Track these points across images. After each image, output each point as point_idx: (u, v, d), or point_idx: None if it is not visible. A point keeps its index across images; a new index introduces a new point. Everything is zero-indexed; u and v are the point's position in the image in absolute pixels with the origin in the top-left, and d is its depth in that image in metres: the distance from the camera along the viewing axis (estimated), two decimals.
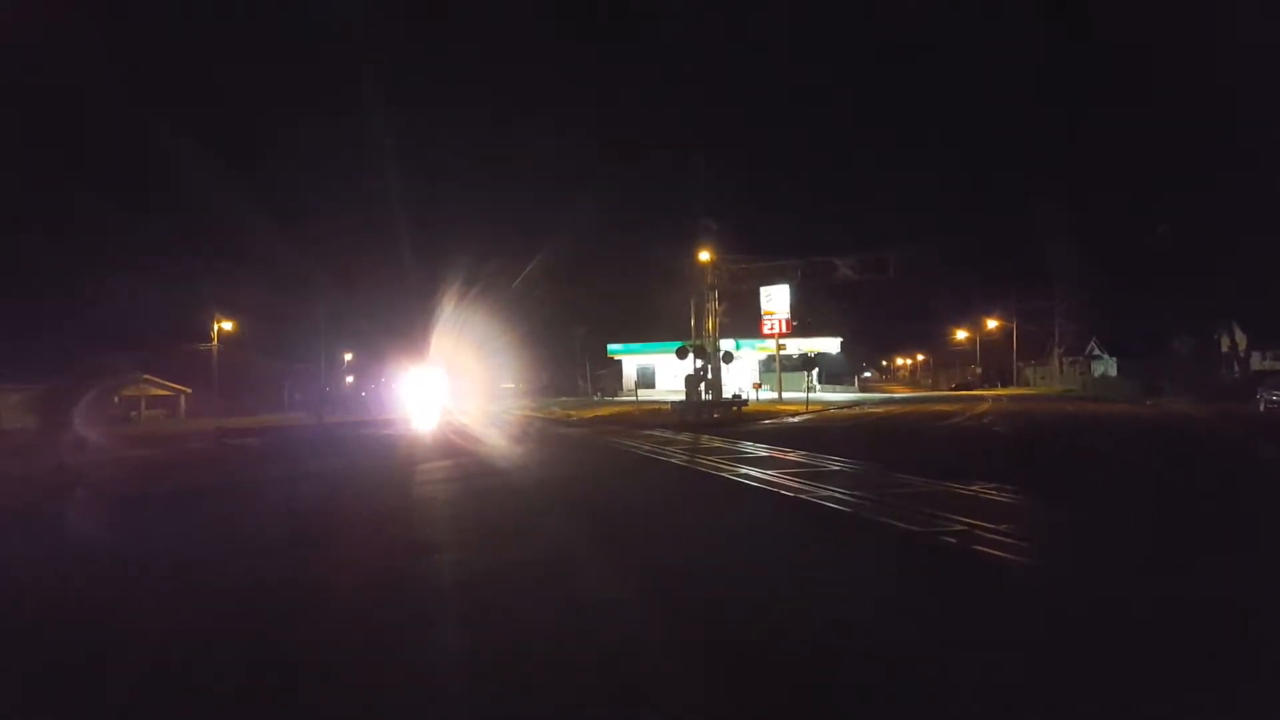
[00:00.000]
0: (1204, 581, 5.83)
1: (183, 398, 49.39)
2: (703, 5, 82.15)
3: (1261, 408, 24.32)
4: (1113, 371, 54.30)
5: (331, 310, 47.68)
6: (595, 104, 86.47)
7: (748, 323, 42.91)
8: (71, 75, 44.45)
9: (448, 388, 42.27)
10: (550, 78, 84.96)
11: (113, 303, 40.53)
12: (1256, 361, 41.97)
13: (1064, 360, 64.02)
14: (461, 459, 16.78)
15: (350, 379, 60.62)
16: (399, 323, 46.08)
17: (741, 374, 44.28)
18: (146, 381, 47.17)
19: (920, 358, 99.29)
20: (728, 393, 35.26)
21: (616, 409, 38.09)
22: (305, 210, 75.25)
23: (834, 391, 54.63)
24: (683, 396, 32.52)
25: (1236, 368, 42.10)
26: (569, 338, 60.07)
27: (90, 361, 39.93)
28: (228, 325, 50.18)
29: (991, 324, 71.97)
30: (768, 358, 51.62)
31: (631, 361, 60.59)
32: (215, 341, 49.43)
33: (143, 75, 59.29)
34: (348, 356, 59.05)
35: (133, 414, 45.84)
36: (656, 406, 36.05)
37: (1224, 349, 45.24)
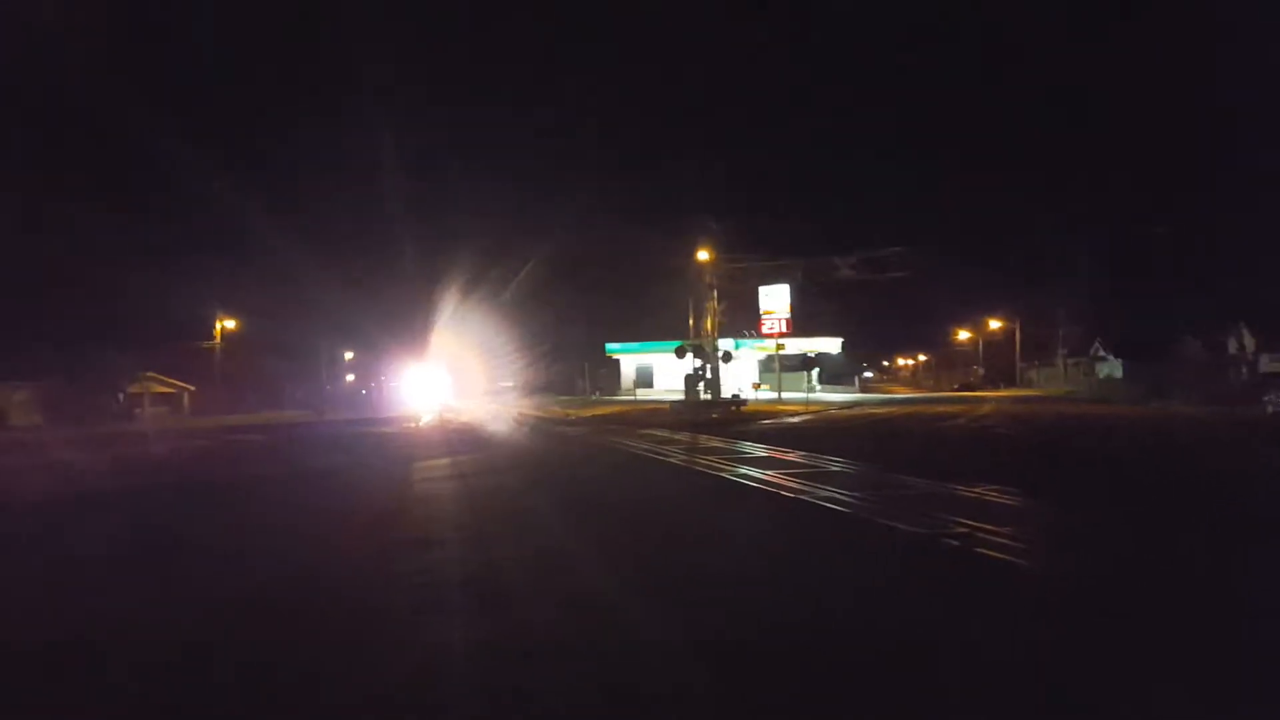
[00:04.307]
0: (1208, 583, 5.73)
1: (186, 395, 49.38)
2: (705, 2, 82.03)
3: (1269, 410, 24.11)
4: (1117, 373, 54.04)
5: (333, 309, 47.72)
6: (597, 102, 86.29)
7: (747, 322, 42.76)
8: (77, 75, 44.46)
9: (447, 386, 42.28)
10: (551, 76, 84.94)
11: (117, 301, 40.51)
12: (1266, 364, 41.64)
13: (1068, 362, 63.74)
14: (459, 457, 16.68)
15: (351, 377, 60.61)
16: (399, 321, 46.07)
17: (741, 374, 44.14)
18: (150, 379, 47.14)
19: (922, 358, 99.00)
20: (727, 393, 35.14)
21: (615, 408, 38.01)
22: (308, 209, 75.29)
23: (834, 392, 54.46)
24: (681, 396, 32.44)
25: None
26: (568, 336, 59.91)
27: (95, 359, 39.92)
28: (230, 323, 50.10)
29: (994, 324, 71.73)
30: (767, 357, 51.48)
31: (630, 360, 60.48)
32: (218, 340, 49.36)
33: (149, 74, 59.34)
34: (348, 355, 59.00)
35: (136, 411, 45.81)
36: (655, 406, 35.96)
37: (1232, 351, 44.95)
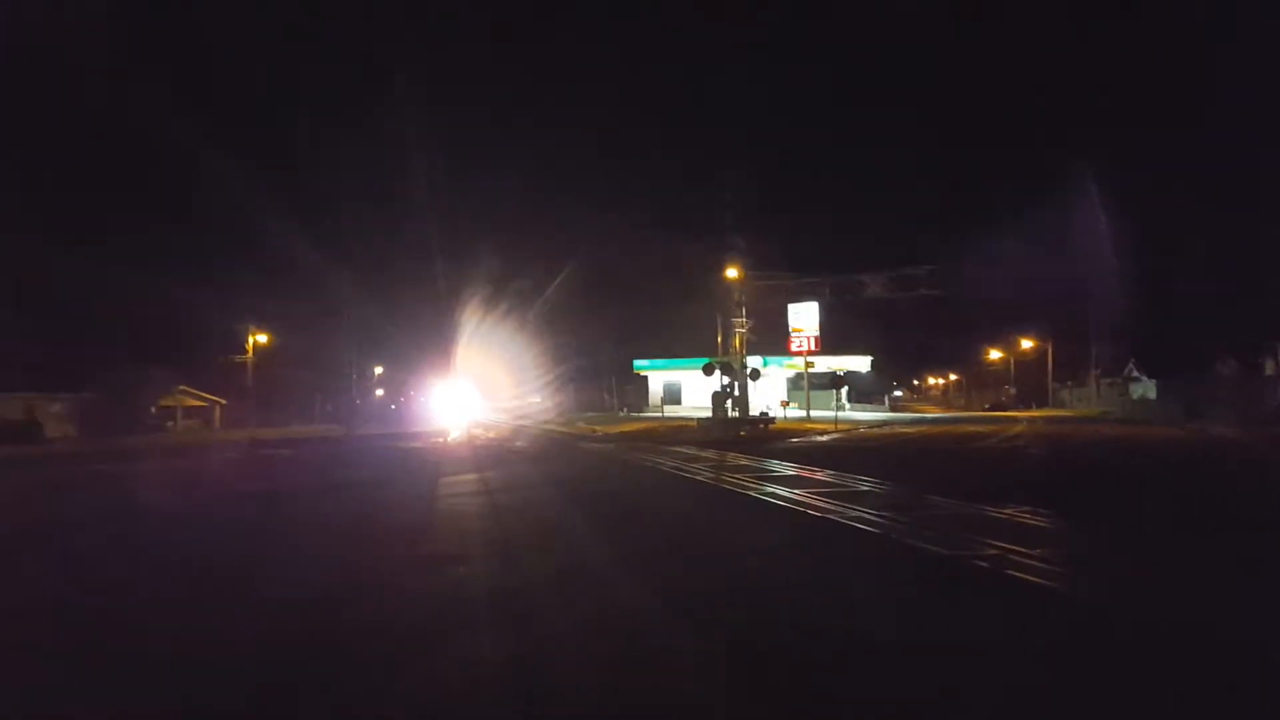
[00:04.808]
0: (1247, 611, 5.57)
1: (217, 408, 50.29)
2: (729, 16, 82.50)
3: None
4: (1152, 394, 52.92)
5: (363, 324, 48.44)
6: (625, 118, 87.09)
7: (775, 340, 42.63)
8: (109, 90, 45.87)
9: (474, 401, 42.60)
10: (580, 91, 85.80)
11: (151, 314, 41.47)
12: None
13: (1101, 382, 62.58)
14: (486, 473, 16.77)
15: (380, 392, 61.31)
16: (428, 337, 46.61)
17: (769, 392, 43.90)
18: (182, 392, 48.12)
19: (953, 377, 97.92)
20: (755, 410, 34.98)
21: (642, 425, 37.98)
22: (339, 225, 76.53)
23: (864, 410, 53.97)
24: (709, 413, 32.35)
25: None
26: (595, 353, 60.12)
27: (128, 372, 40.89)
28: (262, 338, 51.00)
29: (1026, 344, 70.70)
30: (796, 375, 51.19)
31: (658, 378, 60.52)
32: (250, 354, 50.25)
33: (180, 89, 60.89)
34: (378, 370, 59.75)
35: (169, 424, 46.76)
36: (682, 423, 35.87)
37: (1269, 373, 43.92)
